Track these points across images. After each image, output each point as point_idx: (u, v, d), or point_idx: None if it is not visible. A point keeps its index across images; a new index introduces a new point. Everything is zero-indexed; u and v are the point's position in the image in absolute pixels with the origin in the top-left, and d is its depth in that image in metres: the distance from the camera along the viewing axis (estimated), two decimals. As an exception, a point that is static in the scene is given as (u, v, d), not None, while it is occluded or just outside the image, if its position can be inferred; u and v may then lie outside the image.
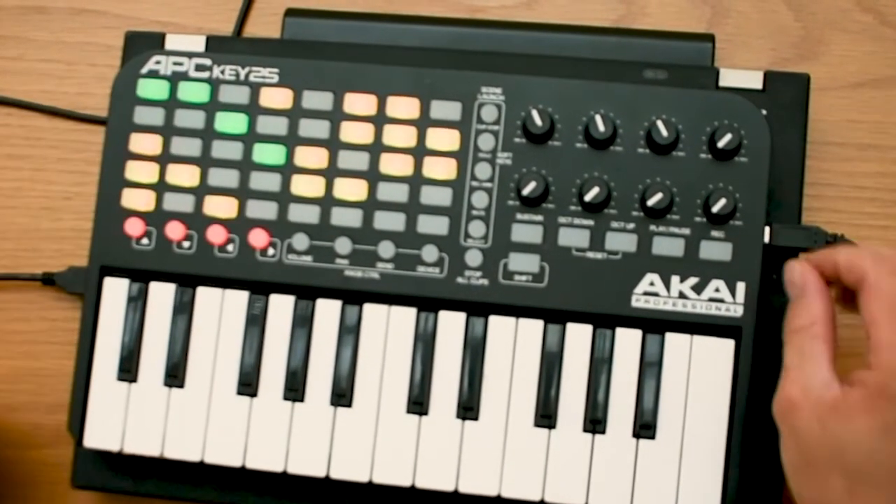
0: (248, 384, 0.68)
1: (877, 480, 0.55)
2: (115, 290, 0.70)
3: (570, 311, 0.67)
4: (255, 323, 0.69)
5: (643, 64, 0.70)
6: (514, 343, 0.68)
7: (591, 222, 0.67)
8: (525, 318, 0.68)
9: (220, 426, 0.68)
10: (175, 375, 0.69)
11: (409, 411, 0.68)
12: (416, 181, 0.68)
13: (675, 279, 0.66)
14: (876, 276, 0.58)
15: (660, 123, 0.67)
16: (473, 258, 0.68)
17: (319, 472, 0.67)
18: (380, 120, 0.69)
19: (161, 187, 0.70)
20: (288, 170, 0.69)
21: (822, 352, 0.59)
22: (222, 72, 0.70)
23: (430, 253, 0.68)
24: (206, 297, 0.69)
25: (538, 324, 0.68)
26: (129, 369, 0.69)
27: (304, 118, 0.69)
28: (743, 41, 0.74)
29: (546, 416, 0.67)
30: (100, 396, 0.69)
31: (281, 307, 0.69)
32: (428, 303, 0.68)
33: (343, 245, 0.68)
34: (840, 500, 0.56)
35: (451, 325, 0.68)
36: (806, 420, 0.57)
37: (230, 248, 0.69)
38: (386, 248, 0.68)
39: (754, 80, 0.69)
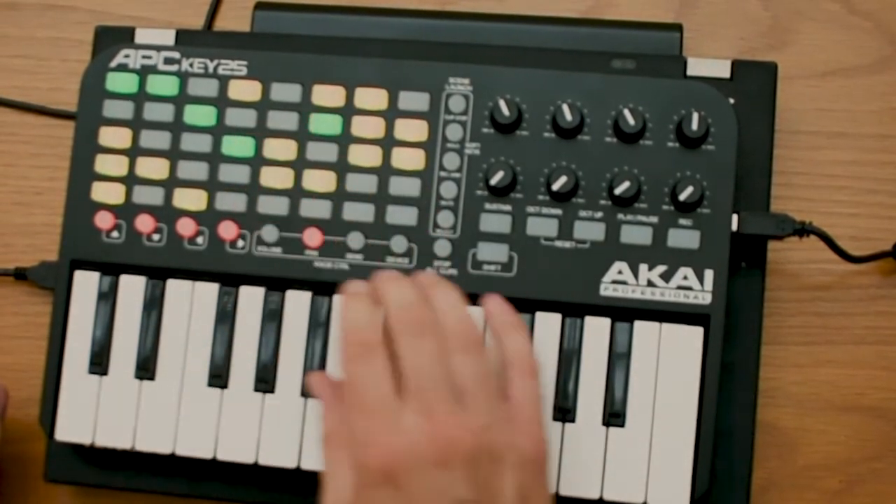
0: (219, 376, 0.68)
1: None
2: (86, 284, 0.70)
3: (538, 300, 0.67)
4: (226, 315, 0.69)
5: (612, 54, 0.70)
6: (484, 333, 0.68)
7: (559, 211, 0.67)
8: (494, 307, 0.68)
9: (191, 418, 0.68)
10: (146, 368, 0.69)
11: (379, 402, 0.68)
12: (385, 172, 0.69)
13: (643, 267, 0.67)
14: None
15: (627, 112, 0.67)
16: (442, 248, 0.68)
17: (290, 463, 0.67)
18: (348, 111, 0.69)
19: (130, 180, 0.70)
20: (257, 162, 0.69)
21: (343, 458, 0.56)
22: (191, 65, 0.70)
23: (399, 243, 0.68)
24: (175, 289, 0.70)
25: (507, 313, 0.68)
26: (100, 362, 0.69)
27: (273, 110, 0.70)
28: (711, 31, 0.74)
29: (516, 405, 0.67)
30: (71, 389, 0.69)
31: (251, 299, 0.69)
32: (397, 293, 0.68)
33: (312, 236, 0.68)
34: None
35: (420, 315, 0.68)
36: None
37: (200, 240, 0.69)
38: (355, 239, 0.68)
39: (722, 69, 0.69)
